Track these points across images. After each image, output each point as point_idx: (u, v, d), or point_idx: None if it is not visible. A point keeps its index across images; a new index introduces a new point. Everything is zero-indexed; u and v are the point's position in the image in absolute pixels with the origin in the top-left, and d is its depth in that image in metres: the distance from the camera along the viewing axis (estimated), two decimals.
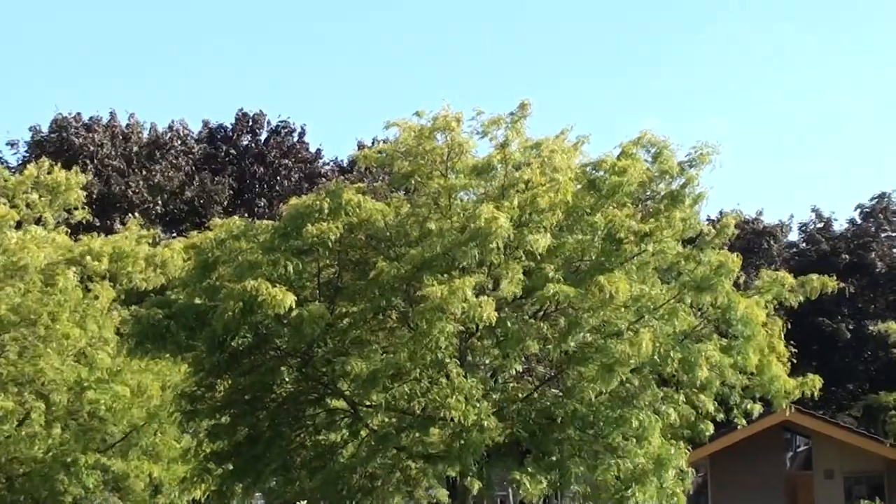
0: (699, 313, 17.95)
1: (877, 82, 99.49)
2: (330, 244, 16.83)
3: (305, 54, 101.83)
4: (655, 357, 16.46)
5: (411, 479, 18.75)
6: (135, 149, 48.45)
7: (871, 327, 51.78)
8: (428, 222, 17.69)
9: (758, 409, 18.93)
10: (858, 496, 37.23)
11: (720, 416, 18.62)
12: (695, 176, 18.07)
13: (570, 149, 18.58)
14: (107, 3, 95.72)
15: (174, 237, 34.90)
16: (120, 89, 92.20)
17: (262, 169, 51.59)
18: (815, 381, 18.74)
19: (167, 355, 18.91)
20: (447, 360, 16.26)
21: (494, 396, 17.05)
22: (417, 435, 17.47)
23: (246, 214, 39.11)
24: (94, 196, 40.71)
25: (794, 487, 39.86)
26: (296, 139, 53.08)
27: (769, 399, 18.59)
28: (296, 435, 18.81)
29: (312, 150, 53.17)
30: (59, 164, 26.31)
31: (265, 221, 19.10)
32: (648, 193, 18.51)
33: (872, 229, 56.99)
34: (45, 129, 47.37)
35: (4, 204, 24.05)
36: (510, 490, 32.70)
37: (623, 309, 16.97)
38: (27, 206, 25.04)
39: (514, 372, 17.48)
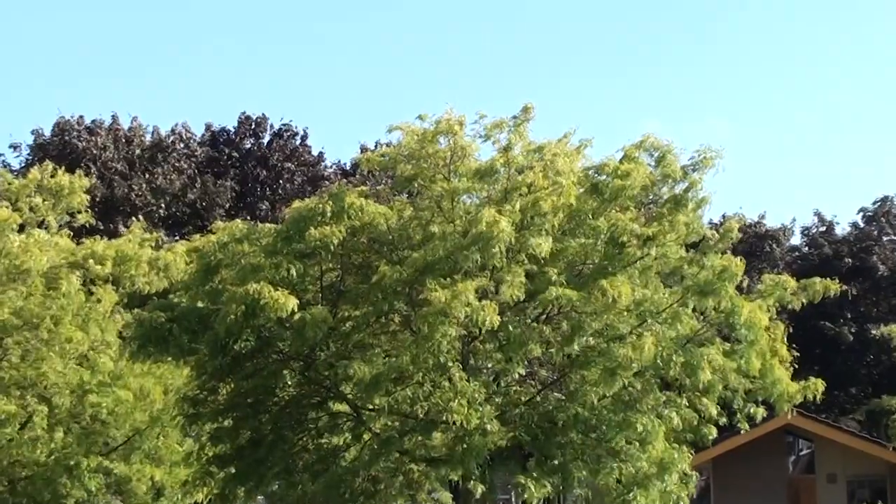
0: (702, 317, 17.94)
1: (878, 83, 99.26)
2: (332, 247, 16.82)
3: (308, 57, 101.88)
4: (658, 361, 16.48)
5: (414, 483, 18.69)
6: (137, 152, 48.51)
7: (873, 331, 51.71)
8: (430, 226, 17.70)
9: (760, 412, 18.88)
10: (861, 500, 37.21)
11: (723, 420, 18.60)
12: (698, 180, 18.09)
13: (573, 152, 18.61)
14: (109, 5, 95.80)
15: (177, 240, 34.82)
16: (122, 91, 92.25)
17: (264, 172, 51.65)
18: (817, 385, 18.70)
19: (170, 359, 18.92)
20: (450, 364, 16.28)
21: (497, 400, 17.05)
22: (420, 438, 17.45)
23: (248, 218, 39.01)
24: (97, 199, 40.73)
25: (796, 491, 39.79)
26: (298, 142, 53.12)
27: (772, 403, 18.56)
28: (298, 438, 18.78)
29: (315, 153, 53.26)
30: (62, 168, 26.28)
31: (268, 225, 19.09)
32: (651, 197, 18.52)
33: (875, 233, 56.99)
34: (47, 131, 47.43)
35: (7, 207, 24.01)
36: (513, 494, 32.63)
37: (626, 313, 16.97)
38: (30, 209, 24.98)
39: (517, 376, 17.52)
